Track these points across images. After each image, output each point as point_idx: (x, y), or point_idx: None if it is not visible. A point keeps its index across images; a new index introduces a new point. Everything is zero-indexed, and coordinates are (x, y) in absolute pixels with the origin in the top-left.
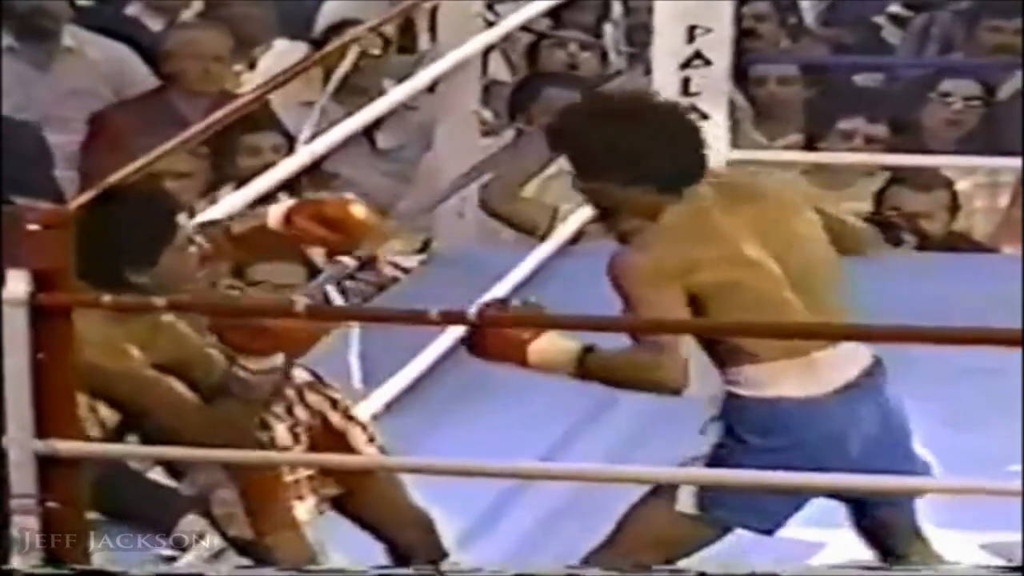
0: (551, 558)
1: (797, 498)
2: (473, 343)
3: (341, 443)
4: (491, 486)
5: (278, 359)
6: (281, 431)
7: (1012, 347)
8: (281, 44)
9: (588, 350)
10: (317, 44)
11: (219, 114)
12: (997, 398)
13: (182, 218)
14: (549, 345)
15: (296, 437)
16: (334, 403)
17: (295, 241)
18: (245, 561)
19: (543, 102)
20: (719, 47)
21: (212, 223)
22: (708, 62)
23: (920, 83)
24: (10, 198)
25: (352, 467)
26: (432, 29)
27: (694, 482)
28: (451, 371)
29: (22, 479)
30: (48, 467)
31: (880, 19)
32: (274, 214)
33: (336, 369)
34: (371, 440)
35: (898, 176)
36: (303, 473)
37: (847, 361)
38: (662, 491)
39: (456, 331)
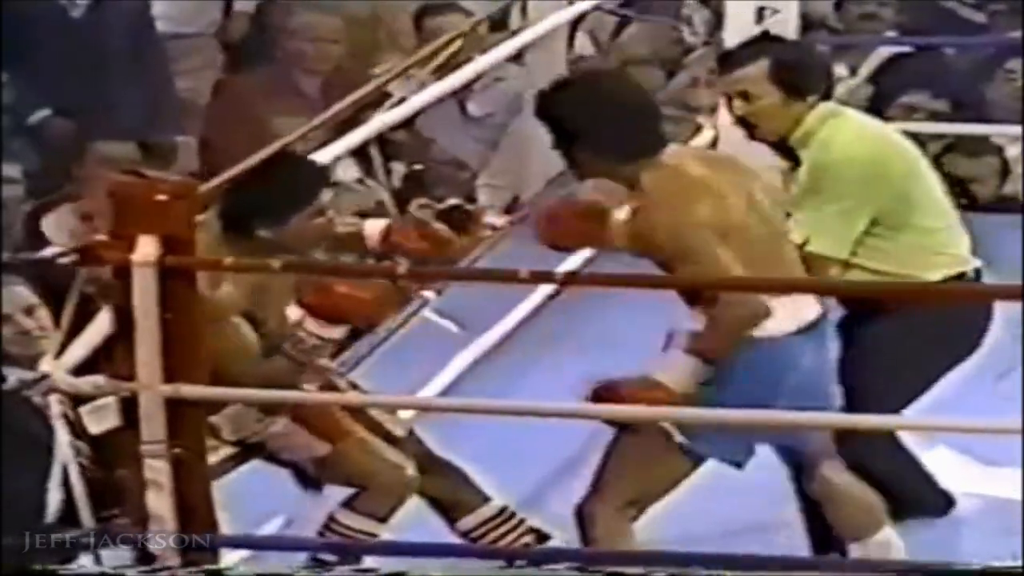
0: None
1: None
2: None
3: None
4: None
5: (338, 332)
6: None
7: (1012, 300)
8: None
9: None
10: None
11: (353, 97)
12: None
13: (324, 192)
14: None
15: None
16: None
17: (384, 254)
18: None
19: None
20: (786, 26)
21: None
22: None
23: (989, 60)
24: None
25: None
26: (523, 8)
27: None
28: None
29: (152, 426)
30: (174, 415)
31: (951, 3)
32: (370, 230)
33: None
34: None
35: (951, 144)
36: None
37: (800, 308)
38: (642, 428)
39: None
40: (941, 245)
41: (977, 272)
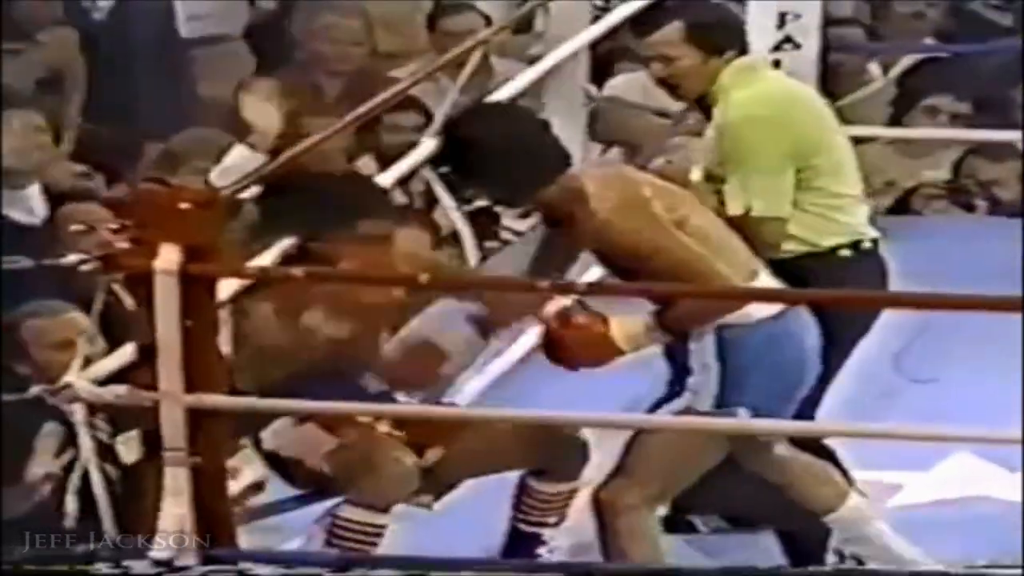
0: None
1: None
2: (561, 353)
3: None
4: None
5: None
6: None
7: (1013, 312)
8: None
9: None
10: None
11: (375, 101)
12: None
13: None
14: (629, 327)
15: None
16: None
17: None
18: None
19: None
20: (808, 32)
21: None
22: (797, 45)
23: (1015, 63)
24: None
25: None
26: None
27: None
28: None
29: (173, 434)
30: (195, 424)
31: (976, 5)
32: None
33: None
34: None
35: (974, 148)
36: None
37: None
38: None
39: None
40: (841, 213)
41: (874, 242)
